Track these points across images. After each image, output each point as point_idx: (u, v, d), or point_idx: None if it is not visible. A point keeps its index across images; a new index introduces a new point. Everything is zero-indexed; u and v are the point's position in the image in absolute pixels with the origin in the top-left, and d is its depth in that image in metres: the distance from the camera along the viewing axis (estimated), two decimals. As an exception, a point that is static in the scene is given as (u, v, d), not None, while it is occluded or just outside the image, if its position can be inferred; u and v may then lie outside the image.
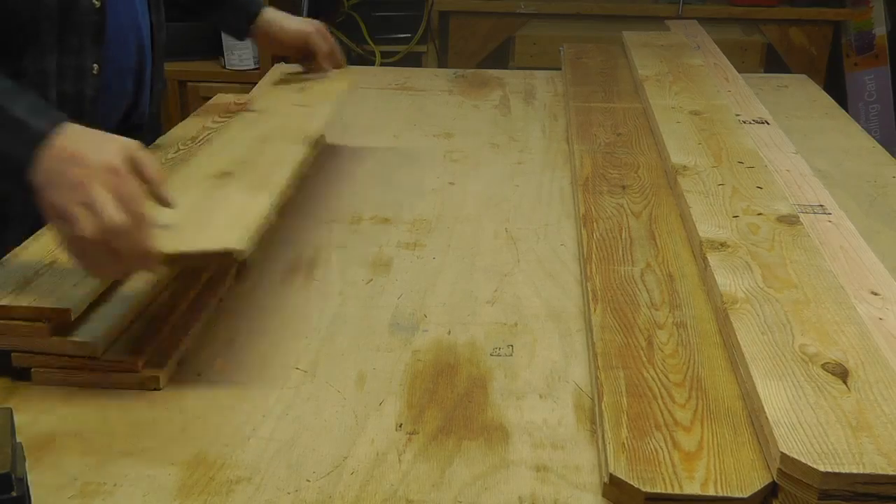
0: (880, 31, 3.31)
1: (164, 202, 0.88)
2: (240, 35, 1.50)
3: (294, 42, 1.48)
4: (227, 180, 1.04)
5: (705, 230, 1.09)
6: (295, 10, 2.89)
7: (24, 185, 0.85)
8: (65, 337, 0.88)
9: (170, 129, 1.38)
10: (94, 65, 1.15)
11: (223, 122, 1.38)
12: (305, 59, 1.50)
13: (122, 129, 1.28)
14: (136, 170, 0.85)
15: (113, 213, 0.80)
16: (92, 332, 0.89)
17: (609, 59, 2.00)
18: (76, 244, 0.82)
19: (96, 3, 1.13)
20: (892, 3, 3.31)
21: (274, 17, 1.46)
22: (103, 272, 0.86)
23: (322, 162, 1.50)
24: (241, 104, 1.46)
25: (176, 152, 1.25)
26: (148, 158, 0.87)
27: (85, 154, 0.83)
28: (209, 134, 1.32)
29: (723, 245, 1.05)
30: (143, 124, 1.32)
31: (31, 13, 1.07)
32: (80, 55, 1.13)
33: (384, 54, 3.02)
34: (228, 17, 1.47)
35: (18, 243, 1.02)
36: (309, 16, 2.93)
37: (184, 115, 2.75)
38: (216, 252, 0.86)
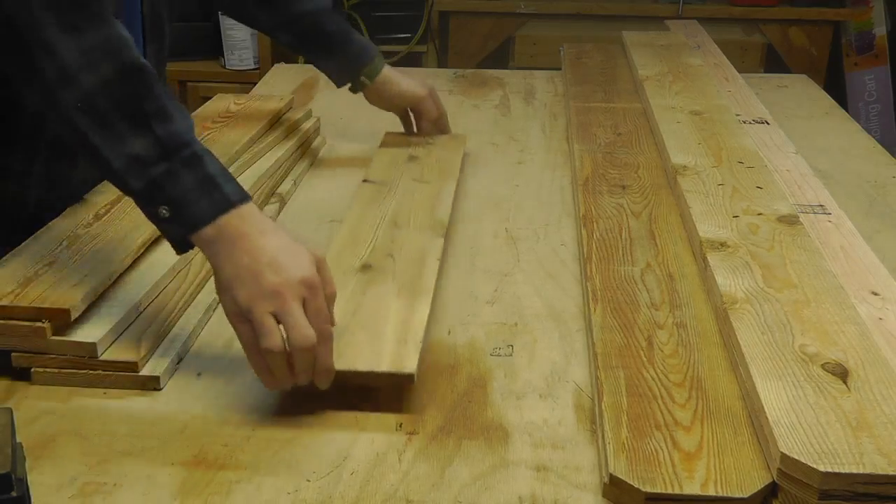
0: (880, 31, 3.31)
1: (331, 321, 0.86)
2: (351, 88, 1.47)
3: (406, 104, 1.48)
4: (374, 276, 1.02)
5: (705, 230, 1.09)
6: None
7: (181, 235, 0.85)
8: (65, 337, 0.88)
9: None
10: None
11: (223, 122, 1.38)
12: (409, 116, 1.50)
13: None
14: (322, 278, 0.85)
15: (306, 332, 0.80)
16: (92, 332, 0.89)
17: (609, 59, 2.00)
18: (259, 351, 0.82)
19: None
20: (892, 3, 3.31)
21: (390, 75, 1.44)
22: (276, 383, 0.84)
23: (322, 161, 1.50)
24: (240, 104, 1.46)
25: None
26: (329, 273, 0.86)
27: (283, 263, 0.82)
28: (209, 134, 1.32)
29: (723, 245, 1.05)
30: None
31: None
32: None
33: (384, 54, 3.01)
34: (340, 68, 1.45)
35: (5, 241, 1.02)
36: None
37: (184, 115, 2.77)
38: (393, 374, 0.85)
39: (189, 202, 0.83)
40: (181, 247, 0.87)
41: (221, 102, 1.49)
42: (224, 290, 0.83)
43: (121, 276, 0.99)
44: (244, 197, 0.86)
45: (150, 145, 0.84)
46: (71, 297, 0.88)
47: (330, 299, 0.86)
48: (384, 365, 0.86)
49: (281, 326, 0.81)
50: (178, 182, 0.84)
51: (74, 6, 0.86)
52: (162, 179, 0.84)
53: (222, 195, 0.84)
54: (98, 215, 1.08)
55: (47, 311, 0.87)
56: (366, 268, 1.04)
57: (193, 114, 1.45)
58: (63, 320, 0.87)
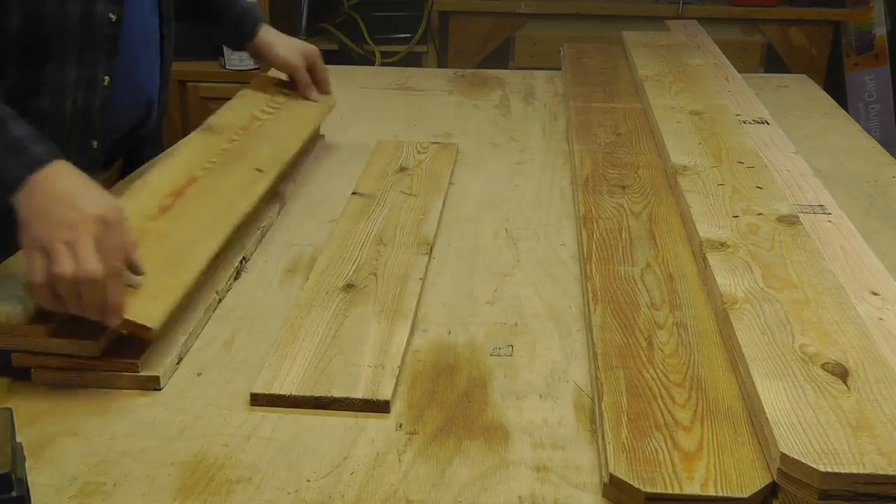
0: (880, 31, 3.30)
1: (134, 269, 0.90)
2: (239, 49, 1.52)
3: (281, 69, 1.51)
4: (356, 297, 1.03)
5: (705, 230, 1.09)
6: (296, 10, 2.90)
7: (3, 203, 0.87)
8: (65, 337, 0.88)
9: (167, 131, 1.39)
10: (106, 77, 1.15)
11: (273, 112, 1.40)
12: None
13: (127, 140, 1.28)
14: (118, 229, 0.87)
15: (93, 265, 0.83)
16: (92, 332, 0.89)
17: (609, 59, 2.00)
18: (46, 279, 0.84)
19: (112, 16, 1.13)
20: (892, 3, 3.31)
21: (266, 39, 1.48)
22: (58, 309, 0.86)
23: (322, 161, 1.50)
24: (280, 103, 1.47)
25: (231, 142, 1.25)
26: (127, 223, 0.89)
27: (79, 199, 0.86)
28: (260, 125, 1.34)
29: (723, 245, 1.05)
30: (148, 135, 1.33)
31: (57, 25, 1.07)
32: (94, 68, 1.14)
33: (384, 54, 3.02)
34: (226, 33, 1.49)
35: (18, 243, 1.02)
36: (309, 16, 2.95)
37: (183, 116, 2.77)
38: (367, 400, 0.86)
39: (2, 169, 0.87)
40: (3, 209, 0.88)
41: (266, 82, 1.51)
42: (23, 227, 0.86)
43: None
44: (54, 155, 0.89)
45: None
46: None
47: (129, 249, 0.88)
48: (360, 391, 0.86)
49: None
50: None
51: None
52: None
53: (31, 156, 0.87)
54: None
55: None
56: (349, 287, 1.05)
57: (240, 93, 1.47)
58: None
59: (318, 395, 0.86)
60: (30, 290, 0.85)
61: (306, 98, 1.49)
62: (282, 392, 0.86)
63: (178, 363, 0.92)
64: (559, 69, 2.04)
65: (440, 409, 0.86)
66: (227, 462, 0.79)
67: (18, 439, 0.63)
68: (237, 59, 2.80)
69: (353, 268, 1.09)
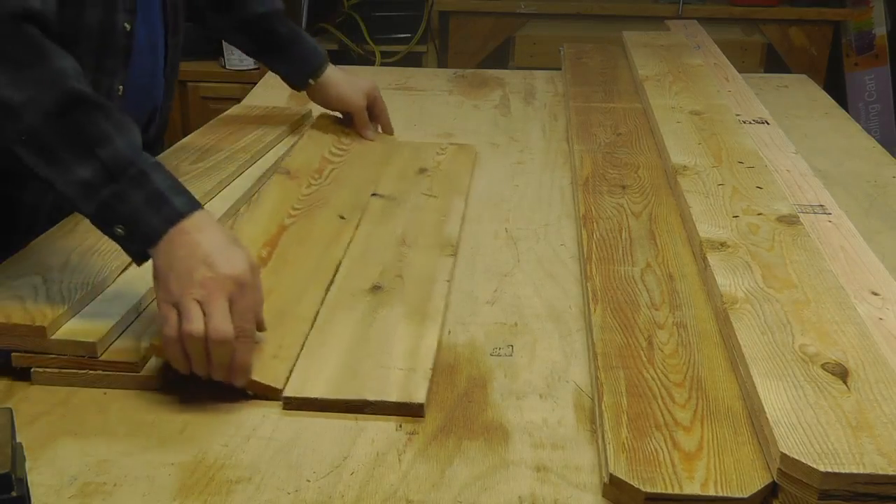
0: (880, 31, 3.30)
1: (260, 327, 0.89)
2: (297, 88, 1.49)
3: (343, 109, 1.51)
4: (383, 298, 1.03)
5: (705, 230, 1.09)
6: (295, 10, 2.89)
7: (138, 251, 0.87)
8: (65, 337, 0.88)
9: (168, 131, 1.39)
10: (121, 86, 1.16)
11: (342, 154, 1.40)
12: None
13: None
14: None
15: (225, 326, 0.82)
16: (92, 332, 0.89)
17: (609, 59, 2.00)
18: (176, 335, 0.83)
19: (127, 26, 1.13)
20: (892, 3, 3.31)
21: (332, 78, 1.46)
22: (185, 369, 0.86)
23: (317, 137, 1.50)
24: (346, 145, 1.46)
25: (309, 188, 1.26)
26: (259, 281, 0.88)
27: (216, 258, 0.84)
28: (333, 169, 1.34)
29: (723, 245, 1.05)
30: (148, 144, 1.33)
31: (74, 33, 1.07)
32: (112, 76, 1.14)
33: (384, 54, 3.02)
34: (290, 69, 1.47)
35: (20, 244, 1.02)
36: (309, 16, 2.95)
37: (183, 116, 2.77)
38: (402, 404, 0.86)
39: (140, 220, 0.86)
40: (141, 259, 0.89)
41: (328, 124, 1.50)
42: (159, 279, 0.85)
43: (120, 275, 0.99)
44: (194, 207, 0.88)
45: (95, 171, 0.86)
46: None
47: (258, 304, 0.88)
48: (393, 395, 0.86)
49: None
50: (128, 202, 0.86)
51: (12, 39, 0.88)
52: (112, 201, 0.86)
53: (172, 209, 0.86)
54: None
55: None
56: (376, 289, 1.05)
57: (307, 134, 1.46)
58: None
59: (351, 398, 0.85)
60: (163, 344, 0.85)
61: (364, 138, 1.49)
62: (314, 395, 0.86)
63: (178, 363, 0.92)
64: (559, 69, 2.04)
65: (440, 409, 0.86)
66: (227, 462, 0.79)
67: (18, 439, 0.63)
68: (237, 59, 2.80)
69: (379, 270, 1.09)
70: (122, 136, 0.88)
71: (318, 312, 0.99)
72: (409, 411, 0.85)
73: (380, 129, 1.52)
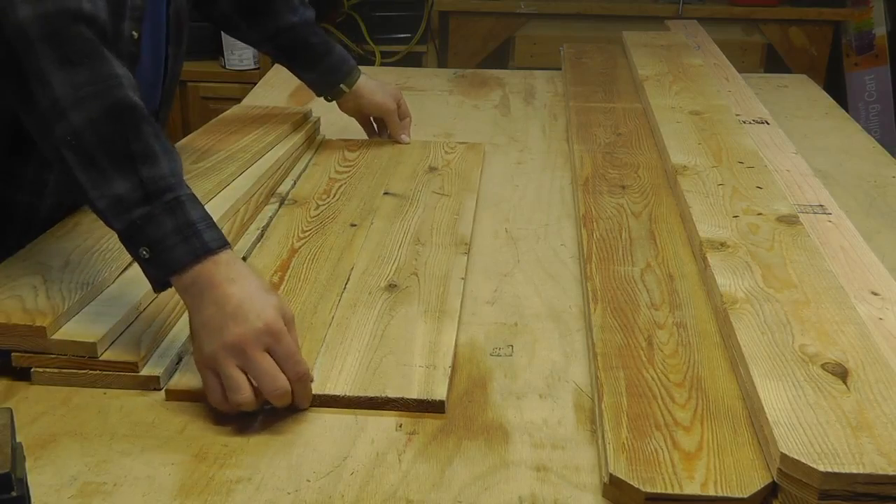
0: (880, 31, 3.30)
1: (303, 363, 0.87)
2: (329, 98, 1.51)
3: (375, 114, 1.52)
4: (399, 296, 1.03)
5: (705, 230, 1.09)
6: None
7: (159, 277, 0.86)
8: (65, 337, 0.88)
9: (168, 127, 1.38)
10: None
11: (348, 170, 1.40)
12: (371, 122, 1.55)
13: None
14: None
15: (277, 382, 0.81)
16: (92, 332, 0.89)
17: (609, 59, 2.00)
18: (223, 401, 0.83)
19: (135, 34, 1.13)
20: (893, 3, 3.31)
21: (365, 86, 1.48)
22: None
23: (323, 162, 1.50)
24: (355, 152, 1.48)
25: (318, 209, 1.27)
26: (292, 321, 0.86)
27: (246, 312, 0.82)
28: (341, 187, 1.34)
29: (723, 245, 1.05)
30: None
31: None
32: None
33: (384, 54, 3.02)
34: (323, 78, 1.48)
35: (16, 244, 1.02)
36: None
37: (184, 116, 2.77)
38: (423, 401, 0.86)
39: (167, 247, 0.84)
40: (159, 286, 0.87)
41: (328, 150, 1.50)
42: (194, 339, 0.85)
43: (121, 275, 0.99)
44: (223, 244, 0.86)
45: (133, 188, 0.85)
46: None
47: (296, 348, 0.85)
48: (414, 392, 0.86)
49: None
50: (159, 226, 0.84)
51: (72, 40, 0.87)
52: (142, 222, 0.85)
53: (201, 242, 0.85)
54: None
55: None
56: (392, 287, 1.05)
57: (316, 158, 1.47)
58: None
59: (372, 395, 0.86)
60: (215, 406, 0.84)
61: (397, 141, 1.51)
62: (336, 393, 0.86)
63: (178, 363, 0.92)
64: (559, 69, 2.04)
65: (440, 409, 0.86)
66: (227, 462, 0.79)
67: (18, 439, 0.63)
68: (237, 60, 2.80)
69: (394, 268, 1.10)
70: (167, 159, 0.87)
71: (335, 312, 1.00)
72: (430, 408, 0.86)
73: (407, 140, 1.54)
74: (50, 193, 1.13)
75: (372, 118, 1.54)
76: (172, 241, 0.84)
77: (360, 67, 1.50)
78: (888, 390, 0.78)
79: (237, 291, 0.83)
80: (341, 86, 1.47)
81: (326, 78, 1.47)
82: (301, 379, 0.83)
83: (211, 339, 0.82)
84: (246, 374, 0.82)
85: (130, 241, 0.86)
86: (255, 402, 0.82)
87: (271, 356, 0.82)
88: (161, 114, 1.31)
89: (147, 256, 0.85)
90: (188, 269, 0.84)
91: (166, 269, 0.85)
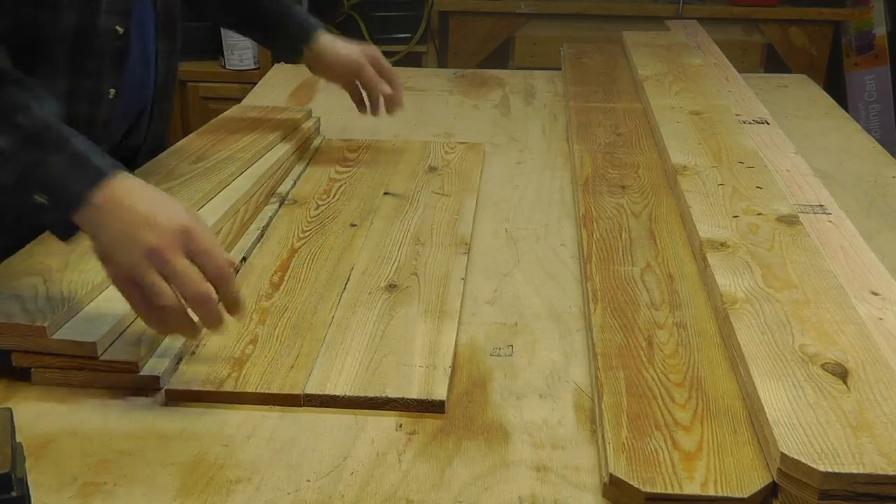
0: (880, 31, 3.31)
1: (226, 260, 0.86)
2: (293, 59, 1.46)
3: (347, 72, 1.44)
4: (399, 296, 1.03)
5: (705, 230, 1.09)
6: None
7: (62, 219, 0.84)
8: (65, 337, 0.88)
9: (168, 126, 1.39)
10: (112, 89, 1.15)
11: (348, 170, 1.40)
12: (357, 89, 1.47)
13: (120, 149, 1.27)
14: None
15: (197, 285, 0.80)
16: (92, 332, 0.89)
17: (609, 59, 2.00)
18: (147, 310, 0.82)
19: (119, 29, 1.13)
20: (893, 3, 3.31)
21: (328, 43, 1.42)
22: (178, 331, 0.85)
23: (323, 162, 1.50)
24: (355, 152, 1.47)
25: (318, 209, 1.27)
26: (204, 224, 0.85)
27: (153, 215, 0.81)
28: (341, 186, 1.34)
29: (723, 245, 1.05)
30: (140, 146, 1.32)
31: (46, 36, 1.07)
32: (98, 79, 1.13)
33: (384, 54, 3.01)
34: (282, 42, 1.45)
35: (6, 246, 1.02)
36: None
37: (184, 115, 2.77)
38: (422, 401, 0.86)
39: (63, 184, 0.84)
40: (65, 233, 0.87)
41: (329, 151, 1.50)
42: (105, 260, 0.84)
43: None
44: (115, 165, 0.86)
45: (14, 138, 0.85)
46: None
47: (215, 244, 0.84)
48: (414, 392, 0.86)
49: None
50: (49, 166, 0.84)
51: None
52: (32, 167, 0.84)
53: (95, 170, 0.84)
54: None
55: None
56: (392, 287, 1.05)
57: (314, 160, 1.45)
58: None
59: (372, 395, 0.86)
60: (144, 321, 0.84)
61: (382, 93, 1.42)
62: (335, 392, 0.86)
63: (178, 363, 0.92)
64: (559, 69, 2.04)
65: (440, 409, 0.86)
66: (227, 462, 0.79)
67: (18, 439, 0.63)
68: (237, 60, 2.80)
69: (394, 268, 1.10)
70: (41, 104, 0.87)
71: (335, 313, 1.00)
72: (430, 408, 0.86)
73: (389, 90, 1.43)
74: None
75: (358, 83, 1.44)
76: (66, 177, 0.84)
77: (327, 27, 1.44)
78: (888, 390, 0.78)
79: (142, 202, 0.83)
80: (303, 47, 1.41)
81: (288, 40, 1.43)
82: (223, 276, 0.82)
83: (127, 251, 0.81)
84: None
85: (24, 190, 0.85)
86: (181, 307, 0.81)
87: (191, 257, 0.81)
88: (155, 111, 1.31)
89: (45, 202, 0.84)
90: (90, 200, 0.83)
91: (67, 206, 0.84)
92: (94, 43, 1.10)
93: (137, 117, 1.28)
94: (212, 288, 0.82)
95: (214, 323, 0.83)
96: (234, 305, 0.84)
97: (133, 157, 1.31)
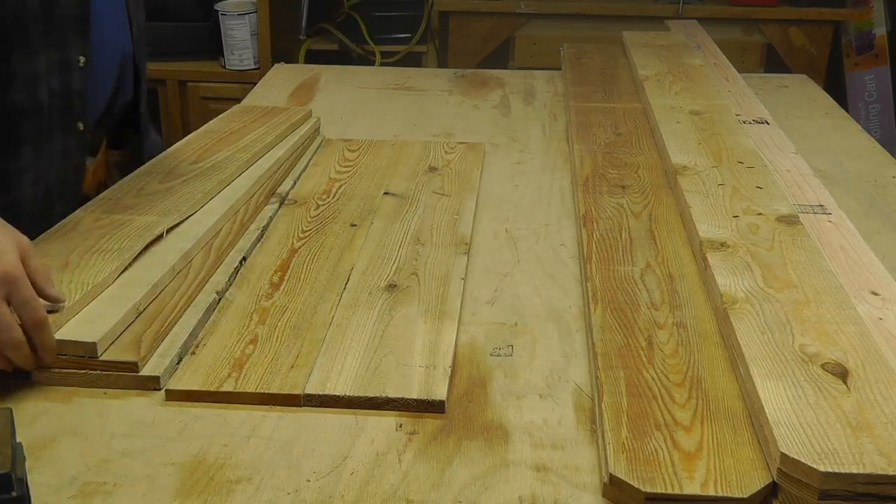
0: (880, 31, 3.30)
1: (53, 300, 0.88)
2: None
3: None
4: (399, 297, 1.03)
5: (705, 230, 1.09)
6: (296, 10, 2.89)
7: None
8: (65, 337, 0.88)
9: (168, 131, 1.39)
10: (81, 57, 1.14)
11: (348, 170, 1.40)
12: None
13: (106, 118, 1.27)
14: (26, 267, 0.85)
15: (9, 335, 0.82)
16: (92, 332, 0.89)
17: (609, 59, 2.00)
18: None
19: None
20: (893, 3, 3.31)
21: None
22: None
23: (323, 162, 1.50)
24: (355, 151, 1.48)
25: (318, 209, 1.27)
26: (37, 260, 0.86)
27: None
28: (341, 186, 1.34)
29: (723, 245, 1.05)
30: (128, 114, 1.31)
31: (16, 15, 1.06)
32: (64, 49, 1.12)
33: (384, 54, 3.01)
34: None
35: None
36: (309, 16, 2.95)
37: (184, 115, 2.77)
38: (422, 401, 0.86)
39: None
40: None
41: (329, 150, 1.49)
42: None
43: (121, 275, 0.99)
44: None
45: None
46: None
47: (44, 281, 0.86)
48: (414, 392, 0.86)
49: None
50: None
51: None
52: None
53: None
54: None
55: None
56: (392, 287, 1.05)
57: (314, 160, 1.44)
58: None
59: (372, 395, 0.86)
60: None
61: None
62: (335, 392, 0.86)
63: (178, 363, 0.92)
64: (559, 69, 2.04)
65: (440, 409, 0.86)
66: (227, 462, 0.79)
67: (18, 439, 0.63)
68: (237, 60, 2.80)
69: (394, 268, 1.10)
70: None
71: (335, 313, 1.00)
72: (430, 408, 0.86)
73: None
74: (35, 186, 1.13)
75: None
76: None
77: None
78: (888, 390, 0.78)
79: None
80: None
81: None
82: (38, 325, 0.84)
83: None
84: None
85: None
86: None
87: (10, 303, 0.82)
88: (140, 66, 1.29)
89: None
90: None
91: None
92: (56, 13, 1.10)
93: (119, 80, 1.27)
94: (23, 337, 0.83)
95: (27, 365, 0.85)
96: (45, 354, 0.86)
97: (135, 117, 1.30)
